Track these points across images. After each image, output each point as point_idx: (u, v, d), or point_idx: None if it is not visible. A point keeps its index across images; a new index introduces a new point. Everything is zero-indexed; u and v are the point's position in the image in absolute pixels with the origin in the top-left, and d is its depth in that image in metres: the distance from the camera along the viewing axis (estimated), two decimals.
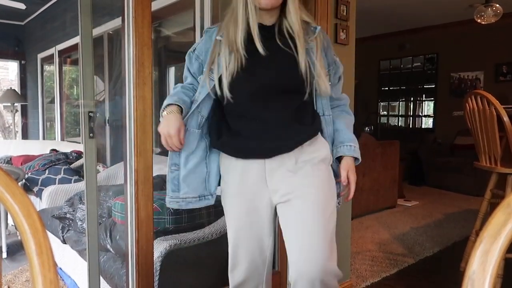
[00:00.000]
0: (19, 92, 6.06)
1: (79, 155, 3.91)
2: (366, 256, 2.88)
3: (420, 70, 6.85)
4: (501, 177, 2.36)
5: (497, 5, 4.20)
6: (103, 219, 2.19)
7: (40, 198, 3.21)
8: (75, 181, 3.51)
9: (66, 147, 4.34)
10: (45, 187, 3.21)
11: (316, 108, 1.33)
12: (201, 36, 1.42)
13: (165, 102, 1.28)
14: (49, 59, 5.54)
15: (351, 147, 1.34)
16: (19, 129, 6.36)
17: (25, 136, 6.38)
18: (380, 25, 6.34)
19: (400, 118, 7.37)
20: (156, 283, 1.66)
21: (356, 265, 2.70)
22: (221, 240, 1.80)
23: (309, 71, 1.24)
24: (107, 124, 4.08)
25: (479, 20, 4.37)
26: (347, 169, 1.34)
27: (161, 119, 1.27)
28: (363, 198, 3.90)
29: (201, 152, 1.32)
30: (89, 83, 1.60)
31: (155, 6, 2.05)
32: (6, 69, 8.03)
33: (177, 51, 3.87)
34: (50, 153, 4.12)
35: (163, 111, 1.27)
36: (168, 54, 3.98)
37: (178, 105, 1.26)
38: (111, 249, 2.01)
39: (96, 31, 3.84)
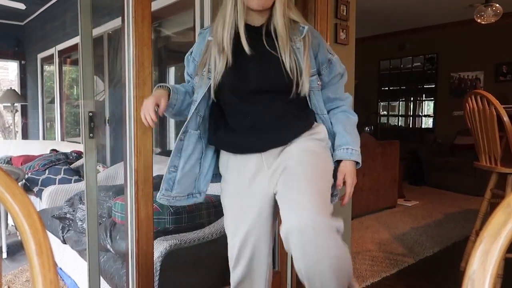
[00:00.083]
0: (19, 92, 6.06)
1: (79, 155, 3.91)
2: (366, 256, 2.88)
3: (420, 70, 6.85)
4: (501, 177, 2.36)
5: (497, 5, 4.20)
6: (103, 219, 2.19)
7: (40, 198, 3.21)
8: (75, 181, 3.51)
9: (66, 147, 4.34)
10: (45, 187, 3.21)
11: (310, 106, 1.35)
12: None
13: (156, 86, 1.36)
14: (49, 59, 5.54)
15: (347, 150, 1.33)
16: (19, 129, 6.36)
17: (25, 136, 6.38)
18: (380, 25, 6.34)
19: (400, 118, 7.37)
20: (156, 283, 1.66)
21: (356, 265, 2.70)
22: (221, 240, 1.80)
23: (297, 70, 1.25)
24: (107, 124, 4.08)
25: (479, 20, 4.36)
26: (344, 172, 1.33)
27: None
28: (363, 198, 3.90)
29: (198, 154, 1.37)
30: (89, 83, 1.61)
31: (155, 6, 2.05)
32: (6, 69, 8.03)
33: (177, 51, 3.87)
34: (50, 153, 4.12)
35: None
36: (168, 54, 3.98)
37: (166, 88, 1.33)
38: (111, 249, 2.01)
39: (96, 31, 3.84)
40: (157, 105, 1.28)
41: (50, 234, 2.52)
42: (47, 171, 3.55)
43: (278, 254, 2.04)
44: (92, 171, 1.64)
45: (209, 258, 1.90)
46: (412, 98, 7.14)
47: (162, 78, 3.99)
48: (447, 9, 5.38)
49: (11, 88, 6.03)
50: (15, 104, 5.85)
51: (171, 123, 3.75)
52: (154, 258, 1.61)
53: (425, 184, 5.67)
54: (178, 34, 3.73)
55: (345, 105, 1.42)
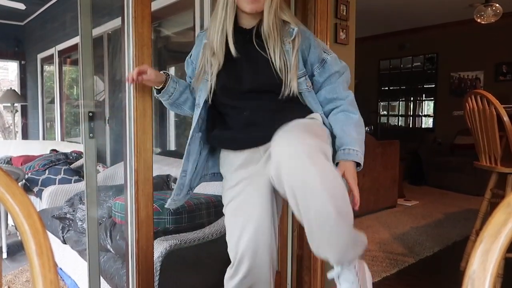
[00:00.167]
0: (19, 93, 6.07)
1: (79, 155, 3.91)
2: (366, 256, 2.88)
3: (420, 70, 6.85)
4: (501, 176, 2.36)
5: (497, 5, 4.20)
6: (103, 219, 2.19)
7: (40, 199, 3.21)
8: (75, 181, 3.51)
9: (66, 147, 4.35)
10: (45, 187, 3.21)
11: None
12: None
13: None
14: (49, 59, 5.54)
15: (344, 151, 1.29)
16: (19, 129, 6.36)
17: (25, 136, 6.38)
18: (380, 25, 6.34)
19: (400, 118, 7.37)
20: (156, 283, 1.66)
21: None
22: (221, 240, 1.79)
23: (285, 71, 1.26)
24: (107, 124, 4.08)
25: (479, 20, 4.36)
26: (342, 171, 1.27)
27: None
28: (363, 198, 3.86)
29: (197, 155, 1.41)
30: (89, 83, 1.60)
31: (155, 6, 2.05)
32: (6, 69, 8.03)
33: (177, 51, 3.87)
34: (50, 153, 4.12)
35: None
36: (168, 54, 3.98)
37: (167, 74, 1.39)
38: (111, 249, 2.01)
39: (96, 31, 3.85)
40: (145, 73, 1.32)
41: (50, 234, 2.52)
42: (47, 171, 3.55)
43: (278, 254, 2.04)
44: (92, 171, 1.64)
45: (209, 258, 1.90)
46: (412, 98, 7.14)
47: None
48: (447, 9, 5.38)
49: (11, 88, 6.03)
50: (15, 104, 5.86)
51: (171, 123, 3.75)
52: (154, 258, 1.61)
53: (425, 184, 5.67)
54: (178, 34, 3.73)
55: (344, 104, 1.36)
